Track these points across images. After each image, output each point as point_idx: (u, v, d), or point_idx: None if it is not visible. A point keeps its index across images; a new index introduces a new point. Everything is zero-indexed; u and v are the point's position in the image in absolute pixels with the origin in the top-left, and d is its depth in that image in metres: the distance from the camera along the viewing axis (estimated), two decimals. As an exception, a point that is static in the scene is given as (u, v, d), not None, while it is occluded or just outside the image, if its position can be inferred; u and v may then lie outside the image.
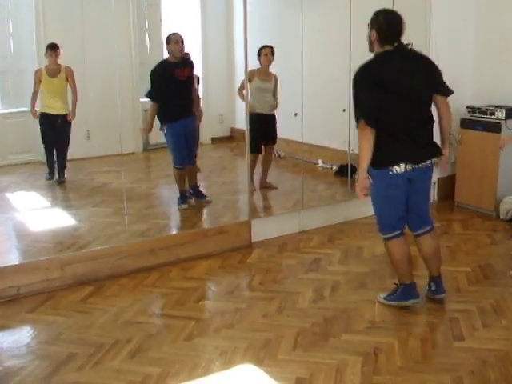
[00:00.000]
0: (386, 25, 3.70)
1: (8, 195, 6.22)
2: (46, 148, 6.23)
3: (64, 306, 4.29)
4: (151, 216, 5.90)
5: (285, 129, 6.62)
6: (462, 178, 6.55)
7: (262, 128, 6.37)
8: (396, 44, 3.74)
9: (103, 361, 3.54)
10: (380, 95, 3.66)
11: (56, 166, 6.29)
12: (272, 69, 6.55)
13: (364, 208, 6.06)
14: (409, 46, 3.86)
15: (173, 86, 5.87)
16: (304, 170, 6.29)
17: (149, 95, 6.01)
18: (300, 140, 6.21)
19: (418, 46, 6.22)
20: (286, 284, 4.66)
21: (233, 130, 8.04)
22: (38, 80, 6.09)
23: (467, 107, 6.37)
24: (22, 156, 6.31)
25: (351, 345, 3.69)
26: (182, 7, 7.51)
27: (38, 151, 6.29)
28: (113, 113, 5.53)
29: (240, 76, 5.71)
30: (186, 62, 6.05)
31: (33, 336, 3.91)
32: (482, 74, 6.60)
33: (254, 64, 6.13)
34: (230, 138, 8.10)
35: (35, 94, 6.10)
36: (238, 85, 6.11)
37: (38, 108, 6.12)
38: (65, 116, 6.14)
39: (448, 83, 3.94)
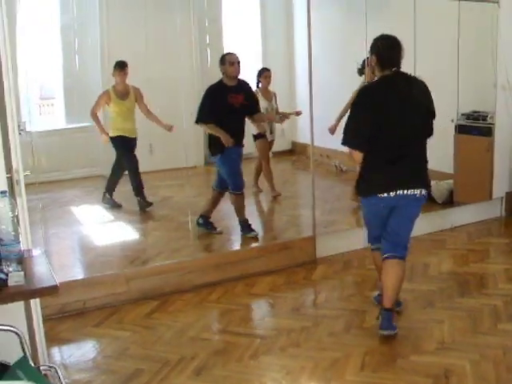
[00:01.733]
0: (384, 50, 3.82)
1: (72, 209, 6.32)
2: (118, 172, 6.10)
3: (129, 321, 4.30)
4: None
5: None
6: (532, 192, 6.35)
7: None
8: (395, 69, 3.82)
9: (169, 377, 3.53)
10: (374, 120, 3.73)
11: (134, 191, 6.16)
12: (334, 75, 6.47)
13: (430, 224, 5.95)
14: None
15: (226, 112, 5.36)
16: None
17: (200, 119, 5.43)
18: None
19: (485, 55, 6.20)
20: (352, 302, 4.57)
21: (294, 143, 8.02)
22: (103, 102, 5.94)
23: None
24: (84, 170, 6.38)
25: (420, 366, 3.58)
26: (242, 21, 7.55)
27: (100, 165, 6.35)
28: (175, 127, 5.55)
29: (304, 88, 5.57)
30: (241, 87, 5.52)
31: (99, 350, 3.93)
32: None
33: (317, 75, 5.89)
34: (291, 152, 8.09)
35: (96, 115, 5.92)
36: (300, 99, 5.92)
37: (111, 132, 6.05)
38: (135, 139, 6.07)
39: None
